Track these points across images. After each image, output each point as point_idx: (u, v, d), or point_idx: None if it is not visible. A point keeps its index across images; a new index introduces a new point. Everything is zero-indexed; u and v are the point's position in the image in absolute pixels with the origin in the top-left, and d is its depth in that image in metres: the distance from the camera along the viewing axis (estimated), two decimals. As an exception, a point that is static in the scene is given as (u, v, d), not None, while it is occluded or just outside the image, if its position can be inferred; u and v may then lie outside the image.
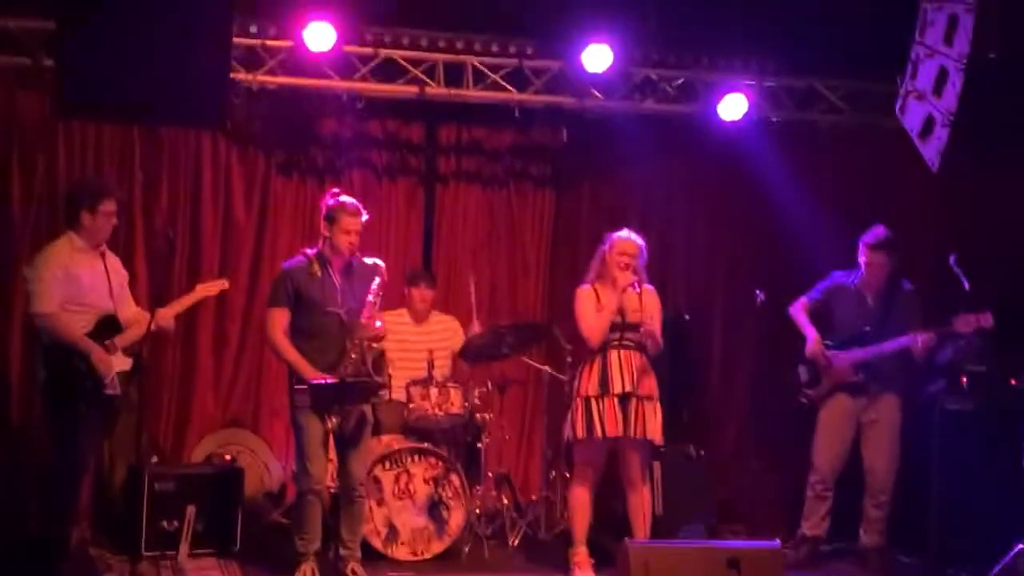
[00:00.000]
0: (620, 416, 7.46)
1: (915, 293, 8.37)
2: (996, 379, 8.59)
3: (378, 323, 7.34)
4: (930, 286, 8.60)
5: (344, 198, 7.36)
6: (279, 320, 7.26)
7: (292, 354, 7.19)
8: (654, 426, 7.56)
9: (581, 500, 7.71)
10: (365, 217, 7.34)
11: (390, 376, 8.37)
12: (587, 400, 7.54)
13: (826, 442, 8.35)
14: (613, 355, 7.55)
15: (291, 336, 7.25)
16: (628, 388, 7.47)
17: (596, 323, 7.54)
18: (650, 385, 7.59)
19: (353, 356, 7.18)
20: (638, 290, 7.59)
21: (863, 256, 8.33)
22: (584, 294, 7.70)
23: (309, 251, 7.37)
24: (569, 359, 8.63)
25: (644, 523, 7.70)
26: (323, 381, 7.03)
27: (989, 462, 8.27)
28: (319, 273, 7.26)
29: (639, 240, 7.70)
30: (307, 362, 7.16)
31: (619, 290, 7.51)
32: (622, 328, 7.56)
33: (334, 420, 7.09)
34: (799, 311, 8.49)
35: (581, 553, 7.74)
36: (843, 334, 8.34)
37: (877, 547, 8.35)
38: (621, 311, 7.54)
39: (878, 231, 8.31)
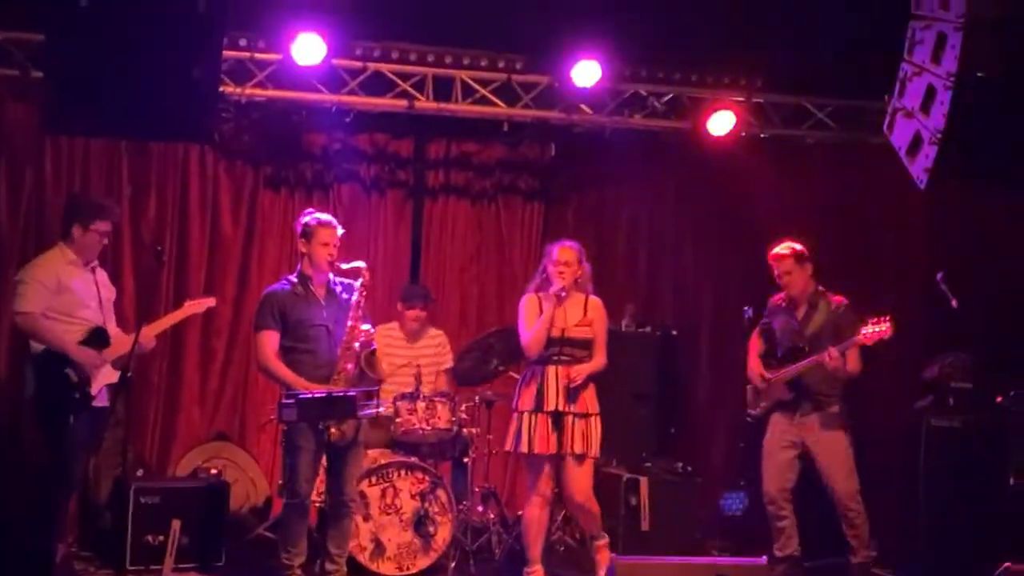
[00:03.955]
0: (553, 434, 7.42)
1: (846, 307, 8.16)
2: (982, 396, 8.58)
3: (365, 326, 7.29)
4: (917, 303, 8.61)
5: (320, 215, 7.37)
6: (269, 342, 7.21)
7: (287, 374, 7.15)
8: (595, 442, 7.49)
9: (532, 517, 7.64)
10: (341, 231, 7.34)
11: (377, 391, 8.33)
12: (521, 415, 7.52)
13: (769, 462, 8.23)
14: (551, 371, 7.49)
15: (282, 356, 7.22)
16: (562, 407, 7.43)
17: (534, 333, 7.50)
18: (588, 401, 7.53)
19: (348, 367, 7.17)
20: (564, 295, 7.52)
21: (776, 271, 8.22)
22: (527, 302, 7.66)
23: (291, 277, 7.37)
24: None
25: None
26: (310, 394, 7.01)
27: (975, 479, 8.28)
28: (302, 292, 7.26)
29: (575, 247, 7.66)
30: (301, 379, 7.14)
31: (552, 297, 7.49)
32: (560, 343, 7.49)
33: (335, 431, 7.07)
34: (752, 339, 8.48)
35: (536, 573, 7.73)
36: (781, 352, 8.27)
37: (866, 562, 8.27)
38: (561, 327, 7.50)
39: (781, 243, 8.22)
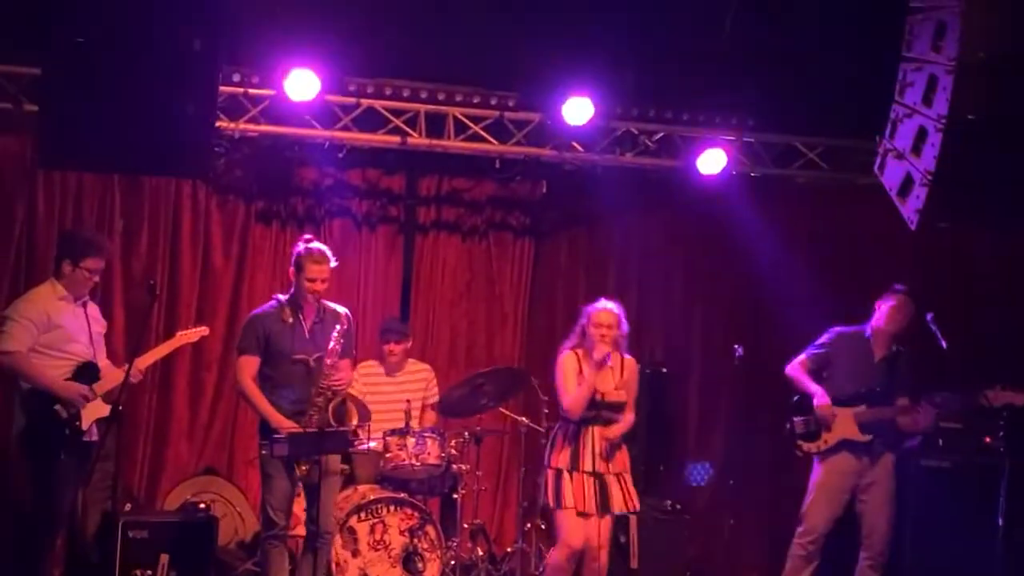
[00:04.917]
0: (594, 492, 7.43)
1: (911, 355, 8.20)
2: (971, 437, 8.59)
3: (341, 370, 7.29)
4: (907, 343, 8.61)
5: (312, 245, 7.34)
6: (248, 367, 7.24)
7: (261, 402, 7.17)
8: (631, 498, 7.57)
9: (559, 565, 7.60)
10: (334, 263, 7.33)
11: (367, 426, 8.31)
12: (558, 471, 7.51)
13: (824, 499, 8.09)
14: (587, 432, 7.50)
15: (259, 382, 7.23)
16: (599, 468, 7.44)
17: (577, 396, 7.47)
18: (622, 460, 7.58)
19: (318, 403, 7.16)
20: (609, 363, 7.52)
21: (891, 300, 8.14)
22: (568, 360, 7.62)
23: (281, 297, 7.38)
24: (546, 410, 8.62)
25: None
26: (299, 430, 6.99)
27: (964, 520, 8.28)
28: (290, 319, 7.26)
29: (616, 309, 7.66)
30: (274, 411, 7.13)
31: (594, 364, 7.47)
32: (599, 407, 7.50)
33: (304, 468, 7.07)
34: (798, 370, 8.25)
35: None
36: (848, 390, 8.10)
37: None
38: (601, 391, 7.49)
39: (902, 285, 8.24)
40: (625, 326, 7.66)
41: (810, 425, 8.15)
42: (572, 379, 7.55)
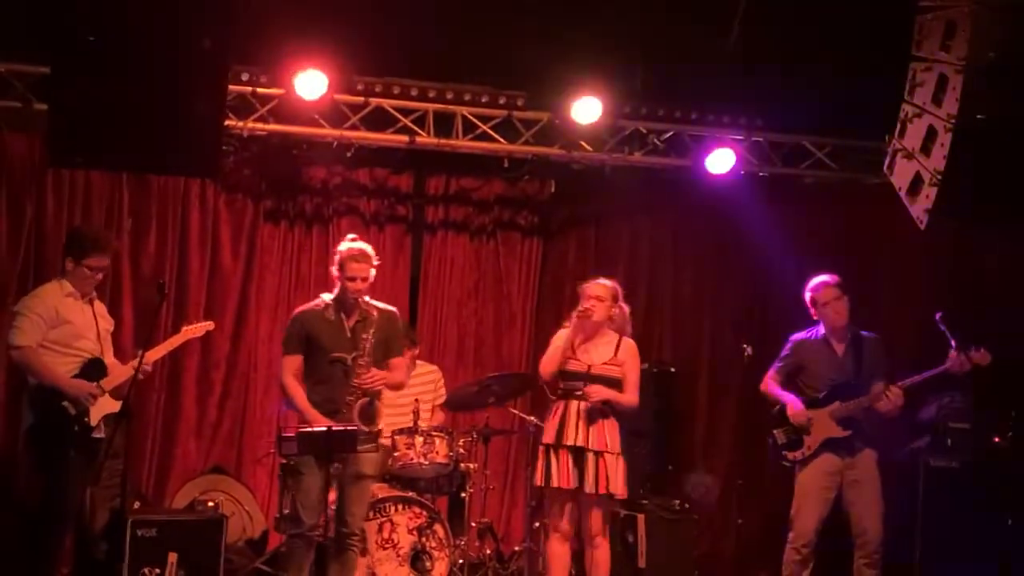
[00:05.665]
0: (574, 469, 7.40)
1: (879, 339, 8.13)
2: (979, 437, 8.58)
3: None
4: (915, 342, 8.61)
5: (354, 245, 7.28)
6: (289, 366, 7.23)
7: (301, 400, 7.15)
8: (614, 480, 7.44)
9: (554, 552, 7.62)
10: (376, 262, 7.28)
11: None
12: (547, 448, 7.51)
13: (811, 502, 8.00)
14: (573, 406, 7.47)
15: (303, 380, 7.22)
16: (581, 442, 7.40)
17: (551, 352, 7.53)
18: (607, 438, 7.47)
19: (349, 402, 7.14)
20: (588, 313, 7.48)
21: (823, 300, 8.06)
22: (559, 333, 7.68)
23: (327, 296, 7.33)
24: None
25: None
26: (309, 428, 6.99)
27: (973, 520, 8.27)
28: (332, 317, 7.24)
29: (609, 284, 7.67)
30: (314, 408, 7.11)
31: (575, 316, 7.48)
32: (586, 379, 7.48)
33: (337, 466, 7.06)
34: (770, 384, 8.23)
35: None
36: (820, 390, 8.05)
37: None
38: (588, 363, 7.48)
39: (825, 276, 8.13)
40: (622, 303, 7.66)
41: (790, 434, 8.09)
42: (558, 345, 7.57)
